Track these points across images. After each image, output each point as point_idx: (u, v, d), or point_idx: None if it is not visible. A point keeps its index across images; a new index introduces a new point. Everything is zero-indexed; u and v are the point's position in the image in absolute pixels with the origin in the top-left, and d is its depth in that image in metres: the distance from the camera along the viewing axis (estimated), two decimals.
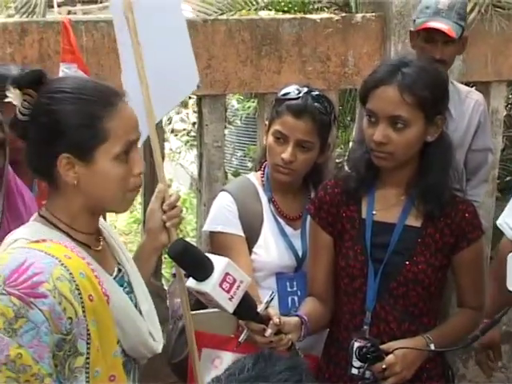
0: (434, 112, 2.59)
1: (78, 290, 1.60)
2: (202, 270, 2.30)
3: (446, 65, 3.58)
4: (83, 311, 1.59)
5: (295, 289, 2.99)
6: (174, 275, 2.73)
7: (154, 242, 2.48)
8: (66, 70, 2.99)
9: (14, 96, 2.03)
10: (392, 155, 2.59)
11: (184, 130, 8.54)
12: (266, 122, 3.07)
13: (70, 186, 2.06)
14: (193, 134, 8.17)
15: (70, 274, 1.60)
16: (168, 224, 2.46)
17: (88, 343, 1.59)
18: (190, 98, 7.16)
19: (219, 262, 2.32)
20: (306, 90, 2.93)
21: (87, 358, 1.59)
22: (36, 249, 1.65)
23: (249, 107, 7.71)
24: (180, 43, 2.82)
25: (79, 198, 2.08)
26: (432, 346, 2.63)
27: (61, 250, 1.66)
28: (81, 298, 1.60)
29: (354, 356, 2.60)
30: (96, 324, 1.62)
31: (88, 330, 1.60)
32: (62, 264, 1.61)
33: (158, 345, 2.25)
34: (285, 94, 2.94)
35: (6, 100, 2.09)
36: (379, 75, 2.61)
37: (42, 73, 2.07)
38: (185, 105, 8.34)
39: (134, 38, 2.59)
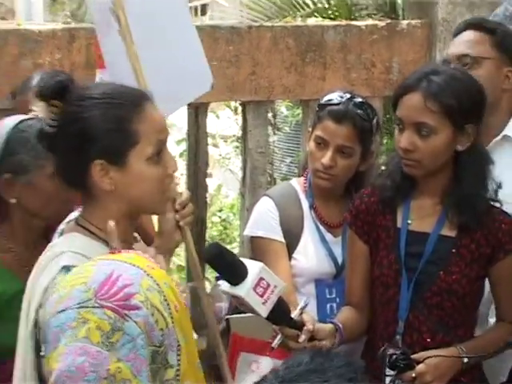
0: (463, 121, 2.55)
1: (166, 300, 1.59)
2: (236, 274, 2.31)
3: None
4: (172, 322, 1.58)
5: (334, 296, 2.97)
6: (217, 278, 2.72)
7: (168, 244, 2.44)
8: (101, 76, 3.01)
9: (38, 109, 2.03)
10: (420, 163, 2.56)
11: (234, 135, 8.55)
12: (309, 129, 3.05)
13: (107, 192, 2.05)
14: (241, 140, 8.19)
15: (157, 284, 1.59)
16: (181, 223, 2.43)
17: (178, 355, 1.58)
18: (239, 104, 7.18)
19: (253, 267, 2.32)
20: (348, 96, 2.92)
21: (177, 370, 1.58)
22: (119, 260, 1.63)
23: (298, 114, 7.69)
24: (187, 43, 2.80)
25: (117, 204, 2.07)
26: (465, 358, 2.57)
27: (142, 260, 1.65)
28: (169, 308, 1.59)
29: (385, 365, 2.56)
30: (182, 335, 1.61)
31: (178, 341, 1.59)
32: (148, 274, 1.60)
33: None
34: (327, 100, 2.93)
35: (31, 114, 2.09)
36: (408, 82, 2.60)
37: (65, 82, 2.07)
38: (235, 110, 8.35)
39: (127, 38, 2.55)
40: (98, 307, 1.54)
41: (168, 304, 1.59)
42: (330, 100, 2.92)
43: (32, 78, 3.01)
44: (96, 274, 1.59)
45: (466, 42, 2.98)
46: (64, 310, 1.56)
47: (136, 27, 2.57)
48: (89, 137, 2.01)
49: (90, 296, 1.55)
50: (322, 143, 2.88)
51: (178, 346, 1.58)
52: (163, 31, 2.66)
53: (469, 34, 3.00)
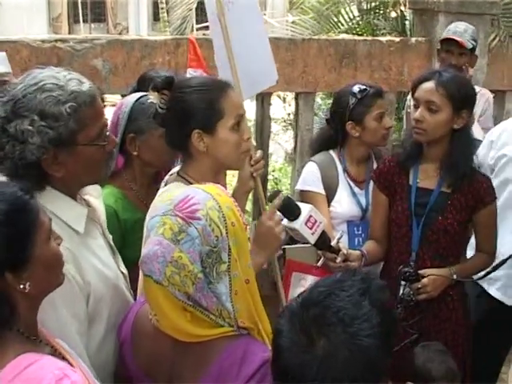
0: (459, 105, 2.51)
1: (224, 218, 1.59)
2: (293, 213, 2.29)
3: (461, 72, 3.42)
4: (226, 233, 1.59)
5: (360, 232, 2.94)
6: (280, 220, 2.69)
7: (244, 187, 2.38)
8: (192, 73, 2.98)
9: (153, 97, 2.06)
10: (426, 131, 2.54)
11: (282, 118, 8.53)
12: None
13: (201, 152, 2.06)
14: (288, 121, 8.15)
15: (219, 206, 1.60)
16: (254, 174, 2.39)
17: (229, 255, 1.59)
18: (287, 95, 7.12)
19: (305, 208, 2.31)
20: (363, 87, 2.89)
21: (228, 265, 1.59)
22: (198, 188, 1.66)
23: (329, 103, 7.60)
24: (262, 47, 2.73)
25: (208, 161, 2.09)
26: (454, 276, 2.60)
27: (214, 189, 1.66)
28: (225, 223, 1.59)
29: (400, 278, 2.59)
30: (235, 243, 1.61)
31: (229, 245, 1.59)
32: (214, 199, 1.61)
33: None
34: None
35: (149, 100, 2.10)
36: (425, 75, 2.59)
37: (172, 78, 2.08)
38: (283, 99, 8.30)
39: (225, 35, 2.49)
40: (173, 215, 1.57)
41: (225, 220, 1.59)
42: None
43: (148, 74, 2.93)
44: (179, 194, 1.63)
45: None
46: (154, 216, 1.61)
47: (231, 32, 2.51)
48: (190, 113, 2.03)
49: (171, 208, 1.59)
50: None
51: (229, 249, 1.59)
52: (247, 38, 2.61)
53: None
